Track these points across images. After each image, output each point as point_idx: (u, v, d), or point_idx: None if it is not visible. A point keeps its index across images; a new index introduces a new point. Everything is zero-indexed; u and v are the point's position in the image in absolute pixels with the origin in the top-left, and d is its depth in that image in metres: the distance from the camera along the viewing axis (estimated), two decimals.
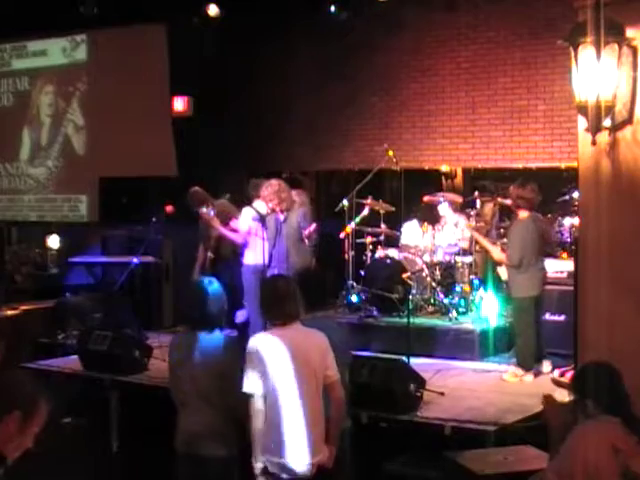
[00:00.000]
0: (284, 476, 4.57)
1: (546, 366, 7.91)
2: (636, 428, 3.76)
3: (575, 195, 8.51)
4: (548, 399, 4.22)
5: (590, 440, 3.72)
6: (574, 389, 3.97)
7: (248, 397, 4.60)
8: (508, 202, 9.53)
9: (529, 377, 7.61)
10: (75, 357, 8.40)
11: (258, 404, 4.59)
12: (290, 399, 4.55)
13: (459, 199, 9.94)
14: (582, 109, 5.91)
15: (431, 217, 10.04)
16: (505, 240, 9.57)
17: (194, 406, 4.89)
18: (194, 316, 5.00)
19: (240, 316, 8.76)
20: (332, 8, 10.73)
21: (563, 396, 4.40)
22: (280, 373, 4.55)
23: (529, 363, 7.67)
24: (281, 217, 8.45)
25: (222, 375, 4.76)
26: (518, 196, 7.87)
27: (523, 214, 7.87)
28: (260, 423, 4.59)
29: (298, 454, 4.55)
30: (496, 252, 8.22)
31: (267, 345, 4.63)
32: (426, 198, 10.12)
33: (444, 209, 9.74)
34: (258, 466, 4.64)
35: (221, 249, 9.86)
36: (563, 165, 10.00)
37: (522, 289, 7.79)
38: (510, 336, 8.94)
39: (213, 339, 4.93)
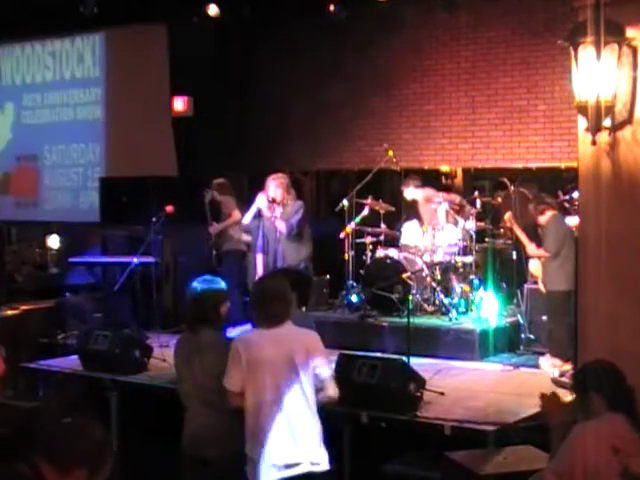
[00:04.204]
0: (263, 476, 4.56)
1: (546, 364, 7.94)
2: (638, 426, 3.77)
3: (575, 195, 8.52)
4: (545, 398, 4.21)
5: (589, 440, 3.72)
6: (579, 385, 3.95)
7: (228, 393, 4.63)
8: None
9: (568, 366, 7.60)
10: (75, 357, 8.39)
11: (235, 401, 4.60)
12: (269, 400, 4.54)
13: (457, 199, 9.91)
14: (582, 109, 5.91)
15: (422, 214, 10.01)
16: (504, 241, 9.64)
17: (196, 407, 4.89)
18: (191, 315, 5.02)
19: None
20: (332, 8, 10.72)
21: (563, 396, 4.40)
22: (259, 373, 4.54)
23: (567, 353, 7.66)
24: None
25: (219, 375, 4.76)
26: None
27: (551, 212, 8.14)
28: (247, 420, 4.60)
29: (277, 455, 4.53)
30: (531, 248, 8.32)
31: (249, 343, 4.64)
32: (426, 199, 10.10)
33: (441, 211, 9.75)
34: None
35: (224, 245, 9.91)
36: (563, 165, 10.00)
37: (560, 282, 7.88)
38: (510, 336, 8.98)
39: (211, 339, 4.93)
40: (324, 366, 4.66)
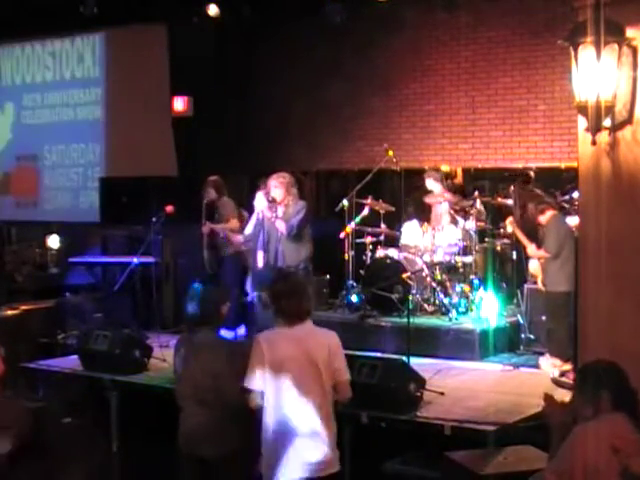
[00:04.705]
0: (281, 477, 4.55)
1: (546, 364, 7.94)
2: (639, 426, 3.77)
3: (575, 195, 8.53)
4: (549, 398, 4.21)
5: (589, 440, 3.72)
6: (587, 383, 3.92)
7: (248, 392, 4.59)
8: (509, 202, 9.56)
9: (567, 366, 7.59)
10: (75, 357, 8.40)
11: (257, 400, 4.57)
12: (291, 399, 4.53)
13: (454, 199, 9.91)
14: (582, 109, 5.91)
15: (424, 214, 10.01)
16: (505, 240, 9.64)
17: (191, 407, 4.91)
18: (192, 315, 5.03)
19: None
20: (332, 8, 10.72)
21: (563, 396, 4.40)
22: (282, 371, 4.53)
23: (567, 353, 7.65)
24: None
25: (216, 375, 4.77)
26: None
27: (551, 212, 8.11)
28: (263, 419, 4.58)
29: (297, 455, 4.53)
30: (531, 248, 8.31)
31: (272, 342, 4.60)
32: (427, 199, 10.11)
33: (444, 211, 9.76)
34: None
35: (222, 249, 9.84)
36: (563, 165, 10.01)
37: (560, 283, 7.86)
38: (510, 336, 8.97)
39: (209, 339, 4.94)
40: (343, 368, 4.69)
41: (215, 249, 9.71)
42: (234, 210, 9.73)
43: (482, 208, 9.65)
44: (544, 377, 7.64)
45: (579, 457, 3.69)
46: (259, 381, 4.53)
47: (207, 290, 5.05)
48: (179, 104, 11.95)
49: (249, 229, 8.73)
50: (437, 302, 9.32)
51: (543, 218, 8.12)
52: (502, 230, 9.62)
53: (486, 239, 9.81)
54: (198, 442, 4.84)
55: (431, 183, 9.96)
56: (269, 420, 4.56)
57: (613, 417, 3.77)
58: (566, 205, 8.90)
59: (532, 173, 9.88)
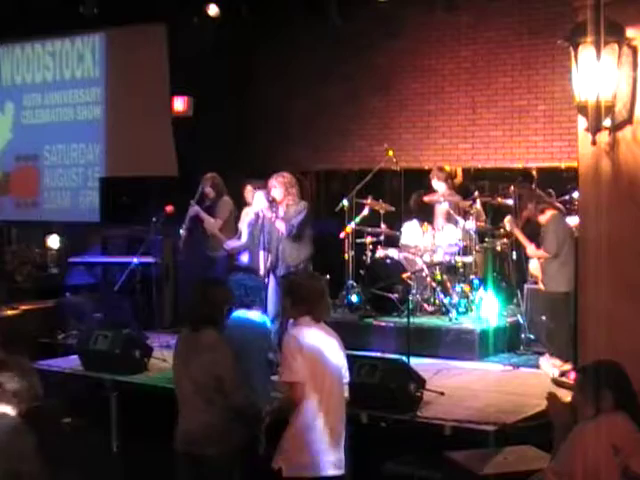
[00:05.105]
0: (309, 474, 4.57)
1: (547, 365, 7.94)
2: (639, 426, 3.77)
3: (575, 195, 8.53)
4: (552, 397, 4.21)
5: (590, 440, 3.72)
6: (589, 382, 3.92)
7: (292, 386, 4.56)
8: (509, 202, 9.56)
9: (567, 366, 7.58)
10: (75, 357, 8.40)
11: (300, 393, 4.54)
12: (324, 393, 4.56)
13: (456, 198, 9.93)
14: (582, 109, 5.92)
15: (426, 215, 10.02)
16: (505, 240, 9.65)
17: (192, 405, 4.90)
18: (191, 315, 5.04)
19: None
20: (332, 8, 10.72)
21: (563, 396, 4.40)
22: (315, 366, 4.56)
23: (567, 354, 7.64)
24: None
25: (219, 374, 4.77)
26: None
27: (551, 212, 8.07)
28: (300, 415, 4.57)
29: (327, 451, 4.56)
30: (531, 248, 8.29)
31: (304, 337, 4.62)
32: (426, 199, 10.12)
33: (443, 211, 9.77)
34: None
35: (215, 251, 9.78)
36: (563, 165, 10.01)
37: (560, 283, 7.84)
38: (510, 336, 8.97)
39: (212, 339, 4.94)
40: (346, 369, 4.76)
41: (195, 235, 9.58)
42: (229, 212, 9.64)
43: (482, 208, 9.66)
44: (544, 377, 7.64)
45: (579, 457, 3.69)
46: (300, 373, 4.53)
47: (213, 290, 5.06)
48: (179, 104, 11.94)
49: (245, 236, 8.76)
50: (437, 302, 9.32)
51: (543, 218, 8.11)
52: (502, 230, 9.62)
53: (486, 239, 9.80)
54: (201, 441, 4.83)
55: (436, 183, 9.97)
56: (301, 416, 4.56)
57: (614, 417, 3.78)
58: (561, 205, 8.88)
59: (534, 172, 9.88)
